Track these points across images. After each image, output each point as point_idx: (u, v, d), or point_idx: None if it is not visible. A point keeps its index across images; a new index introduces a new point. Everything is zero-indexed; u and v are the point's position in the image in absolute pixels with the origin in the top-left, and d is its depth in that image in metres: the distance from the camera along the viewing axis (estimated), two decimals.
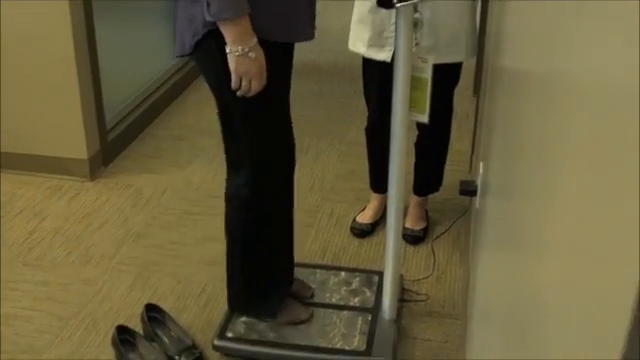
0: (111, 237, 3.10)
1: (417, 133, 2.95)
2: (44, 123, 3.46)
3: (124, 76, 3.94)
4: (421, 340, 2.56)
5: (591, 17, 0.73)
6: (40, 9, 3.21)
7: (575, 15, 0.83)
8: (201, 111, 4.14)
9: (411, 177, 3.05)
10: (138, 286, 2.80)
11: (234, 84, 2.02)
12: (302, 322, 2.49)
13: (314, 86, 4.54)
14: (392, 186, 2.31)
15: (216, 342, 2.44)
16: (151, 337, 2.49)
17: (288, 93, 2.25)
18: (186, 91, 4.42)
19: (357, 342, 2.41)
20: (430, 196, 3.16)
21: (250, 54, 1.98)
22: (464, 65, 2.86)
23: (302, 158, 3.66)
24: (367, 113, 3.02)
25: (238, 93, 2.04)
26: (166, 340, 2.49)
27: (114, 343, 2.46)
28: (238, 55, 1.97)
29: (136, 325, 2.54)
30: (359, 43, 2.77)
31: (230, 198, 2.34)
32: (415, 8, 2.05)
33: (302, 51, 2.19)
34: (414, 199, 3.12)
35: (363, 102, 3.01)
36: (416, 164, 3.06)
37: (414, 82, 2.15)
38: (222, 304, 2.58)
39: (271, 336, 2.44)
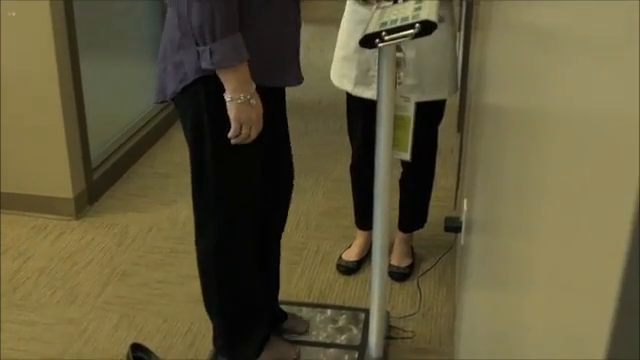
0: (96, 276, 3.09)
1: (402, 170, 2.97)
2: (29, 162, 3.46)
3: (109, 115, 3.95)
4: None
5: (569, 55, 0.75)
6: (26, 49, 3.23)
7: (553, 52, 0.85)
8: (186, 149, 4.12)
9: (396, 214, 3.06)
10: (124, 325, 2.79)
11: (234, 132, 1.98)
12: None
13: (299, 123, 4.57)
14: (377, 223, 2.32)
15: None
16: None
17: (275, 136, 2.25)
18: (171, 129, 4.43)
19: None
20: (415, 232, 3.16)
21: (252, 101, 1.95)
22: (448, 102, 2.88)
23: None
24: (352, 151, 3.04)
25: (234, 141, 1.99)
26: None
27: None
28: (240, 103, 1.94)
29: None
30: (345, 81, 2.79)
31: (199, 256, 2.34)
32: (398, 48, 2.07)
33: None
34: (399, 236, 3.13)
35: (348, 139, 3.03)
36: (401, 200, 3.08)
37: (397, 121, 2.17)
38: (208, 343, 2.57)
39: None
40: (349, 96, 2.85)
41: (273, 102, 2.15)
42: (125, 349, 2.57)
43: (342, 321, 2.68)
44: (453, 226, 2.42)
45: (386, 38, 1.94)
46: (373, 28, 1.99)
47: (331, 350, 2.54)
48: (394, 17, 2.01)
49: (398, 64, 2.08)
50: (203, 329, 2.70)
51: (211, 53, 1.87)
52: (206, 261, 2.32)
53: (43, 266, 3.15)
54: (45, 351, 2.65)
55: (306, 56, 2.23)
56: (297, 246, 3.29)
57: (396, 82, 2.09)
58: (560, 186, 0.74)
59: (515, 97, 1.22)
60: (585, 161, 0.63)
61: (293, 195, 2.48)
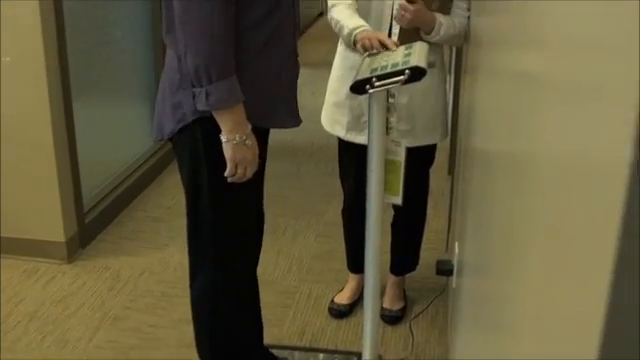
0: (88, 320, 3.07)
1: (393, 213, 2.98)
2: (21, 206, 3.46)
3: (102, 158, 3.96)
4: None
5: (553, 99, 0.76)
6: (19, 93, 3.25)
7: (538, 97, 0.86)
8: (179, 193, 4.10)
9: (388, 257, 3.06)
10: None
11: (229, 171, 2.00)
12: None
13: (291, 166, 4.59)
14: (368, 266, 2.32)
15: None
16: None
17: (262, 179, 2.27)
18: (163, 173, 4.44)
19: None
20: (407, 275, 3.16)
21: (247, 142, 1.98)
22: (439, 145, 2.91)
23: (280, 239, 3.67)
24: (343, 195, 3.05)
25: (230, 179, 2.02)
26: None
27: None
28: (235, 143, 1.96)
29: None
30: (338, 127, 2.81)
31: (193, 300, 2.34)
32: (390, 93, 2.09)
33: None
34: (391, 279, 3.13)
35: (340, 182, 3.04)
36: (393, 243, 3.08)
37: (388, 165, 2.18)
38: None
39: None
40: (341, 141, 2.87)
41: (265, 142, 2.19)
42: None
43: None
44: (445, 269, 2.42)
45: (376, 84, 1.96)
46: (363, 74, 2.01)
47: None
48: (384, 63, 2.03)
49: (389, 110, 2.10)
50: None
51: (207, 95, 1.91)
52: (200, 304, 2.32)
53: (34, 310, 3.13)
54: None
55: (298, 99, 2.25)
56: (289, 289, 3.28)
57: (387, 127, 2.11)
58: (547, 228, 0.75)
59: (502, 140, 1.24)
60: (571, 203, 0.64)
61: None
